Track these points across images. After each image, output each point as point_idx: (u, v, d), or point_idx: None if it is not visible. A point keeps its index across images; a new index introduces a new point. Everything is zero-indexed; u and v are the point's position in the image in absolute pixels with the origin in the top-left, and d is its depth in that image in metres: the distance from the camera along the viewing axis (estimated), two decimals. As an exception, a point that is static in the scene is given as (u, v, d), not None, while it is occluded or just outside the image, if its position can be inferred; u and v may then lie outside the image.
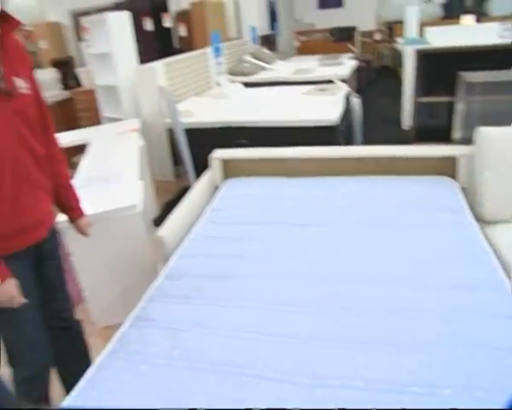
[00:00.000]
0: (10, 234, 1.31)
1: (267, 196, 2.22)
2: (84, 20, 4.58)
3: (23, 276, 1.33)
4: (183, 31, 7.94)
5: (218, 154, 2.52)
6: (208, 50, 5.17)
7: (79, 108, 5.83)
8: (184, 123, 3.55)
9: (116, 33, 4.20)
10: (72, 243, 2.01)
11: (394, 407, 1.10)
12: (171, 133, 4.01)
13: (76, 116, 5.50)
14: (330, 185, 2.27)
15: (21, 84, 1.30)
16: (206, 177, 2.48)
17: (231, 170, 2.49)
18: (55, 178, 1.52)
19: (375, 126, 5.15)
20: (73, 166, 5.10)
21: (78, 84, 6.85)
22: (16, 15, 1.30)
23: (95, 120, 5.13)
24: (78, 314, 1.76)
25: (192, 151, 3.43)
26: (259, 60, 6.20)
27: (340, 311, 1.43)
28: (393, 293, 1.48)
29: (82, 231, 1.66)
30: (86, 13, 9.36)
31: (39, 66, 9.64)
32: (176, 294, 1.61)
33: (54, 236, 1.53)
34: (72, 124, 5.25)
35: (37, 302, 1.43)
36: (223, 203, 2.18)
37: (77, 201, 1.64)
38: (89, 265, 2.16)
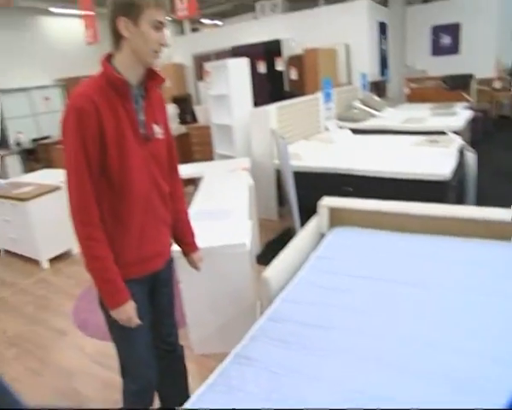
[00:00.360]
0: (133, 263, 1.47)
1: (373, 249, 2.20)
2: (207, 65, 5.03)
3: (139, 300, 1.48)
4: (294, 74, 8.28)
5: (326, 201, 2.57)
6: (319, 95, 5.32)
7: (194, 142, 6.32)
8: (292, 165, 3.68)
9: (235, 78, 4.56)
10: (182, 271, 2.17)
11: None
12: (278, 174, 4.17)
13: (191, 150, 5.96)
14: (438, 245, 2.17)
15: (158, 130, 1.48)
16: (313, 223, 2.54)
17: (338, 218, 2.51)
18: (175, 214, 1.66)
19: (490, 183, 4.81)
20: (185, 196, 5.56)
21: (195, 120, 7.45)
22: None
23: (208, 155, 5.52)
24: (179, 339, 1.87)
25: (298, 193, 3.53)
26: (368, 106, 6.21)
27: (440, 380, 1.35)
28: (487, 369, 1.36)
29: (194, 265, 1.78)
30: (206, 56, 10.29)
31: (163, 101, 10.70)
32: (277, 337, 1.65)
33: (169, 266, 1.68)
34: (186, 156, 5.72)
35: (149, 324, 1.57)
36: (328, 252, 2.21)
37: (192, 236, 1.77)
38: (194, 294, 2.31)
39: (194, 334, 2.45)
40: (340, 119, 5.79)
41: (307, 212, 3.57)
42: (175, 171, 1.68)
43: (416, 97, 8.44)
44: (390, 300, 1.80)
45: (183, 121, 8.27)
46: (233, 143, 4.58)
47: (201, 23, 13.97)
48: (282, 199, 4.28)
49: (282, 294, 1.93)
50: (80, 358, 2.68)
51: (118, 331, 1.50)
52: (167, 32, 1.38)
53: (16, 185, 4.36)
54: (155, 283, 1.60)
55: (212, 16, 13.75)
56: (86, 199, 1.33)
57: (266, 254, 3.59)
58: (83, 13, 8.29)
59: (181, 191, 1.72)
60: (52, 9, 9.87)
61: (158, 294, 1.63)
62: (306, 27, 8.48)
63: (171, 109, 8.25)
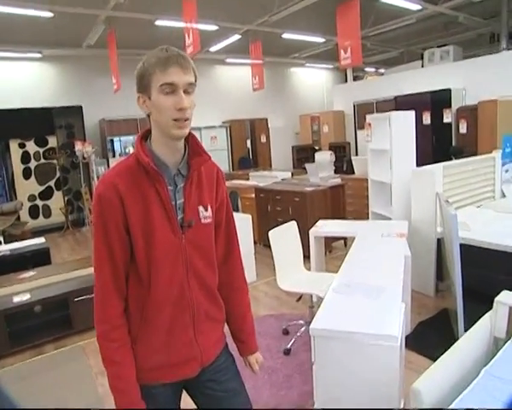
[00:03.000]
0: (156, 367, 1.27)
1: None
2: (368, 117, 4.82)
3: (165, 404, 1.31)
4: (463, 128, 7.53)
5: (506, 297, 2.09)
6: (496, 155, 4.64)
7: (348, 194, 6.12)
8: (459, 237, 3.20)
9: (398, 132, 4.22)
10: (318, 350, 1.97)
11: None
12: (439, 244, 3.69)
13: (344, 203, 5.77)
14: None
15: (205, 214, 1.29)
16: (485, 321, 2.09)
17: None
18: (233, 307, 1.46)
19: None
20: (330, 250, 5.38)
21: (351, 171, 7.27)
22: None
23: (361, 210, 5.27)
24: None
25: (463, 270, 3.04)
26: (560, 169, 5.18)
27: None
28: None
29: (250, 367, 1.54)
30: (368, 104, 10.14)
31: (320, 148, 10.87)
32: None
33: (226, 352, 1.45)
34: (338, 210, 5.53)
35: None
36: (506, 370, 1.74)
37: (251, 334, 1.53)
38: (328, 378, 2.08)
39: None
40: (522, 183, 4.94)
41: (473, 294, 3.05)
42: (233, 257, 1.46)
43: None
44: None
45: (338, 171, 8.19)
46: (391, 203, 4.25)
47: (364, 71, 13.96)
48: (441, 273, 3.76)
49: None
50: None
51: None
52: (182, 94, 1.15)
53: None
54: (196, 385, 1.37)
55: (376, 64, 13.63)
56: (105, 294, 1.20)
57: (417, 337, 3.15)
58: (252, 61, 9.03)
59: (241, 281, 1.49)
60: (228, 60, 11.04)
61: (216, 384, 1.38)
62: (483, 76, 7.71)
63: (327, 156, 8.20)
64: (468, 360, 1.87)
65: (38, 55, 8.70)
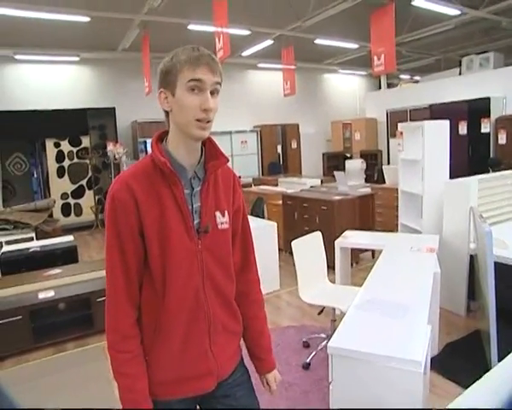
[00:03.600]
0: (170, 381, 1.20)
1: None
2: (400, 125, 4.65)
3: None
4: (503, 139, 7.21)
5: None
6: (537, 169, 4.39)
7: (378, 204, 5.95)
8: (494, 254, 3.02)
9: (431, 142, 4.05)
10: (337, 369, 1.87)
11: None
12: (472, 261, 3.51)
13: (373, 213, 5.61)
14: None
15: (222, 220, 1.23)
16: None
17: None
18: (247, 321, 1.38)
19: None
20: (357, 261, 5.23)
21: (382, 180, 7.09)
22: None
23: (390, 221, 5.11)
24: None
25: (498, 290, 2.86)
26: None
27: None
28: None
29: (268, 386, 1.44)
30: (402, 112, 9.89)
31: (351, 155, 10.69)
32: None
33: (242, 366, 1.37)
34: (366, 220, 5.38)
35: None
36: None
37: (269, 350, 1.44)
38: (346, 397, 1.96)
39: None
40: None
41: (508, 316, 2.87)
42: (248, 267, 1.38)
43: None
44: None
45: (369, 179, 8.00)
46: (421, 215, 4.08)
47: (399, 78, 13.66)
48: (474, 292, 3.57)
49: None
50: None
51: None
52: (209, 95, 1.10)
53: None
54: (210, 400, 1.29)
55: (411, 71, 13.31)
56: (118, 302, 1.13)
57: (444, 360, 2.98)
58: (284, 67, 8.99)
59: (256, 293, 1.42)
60: (260, 65, 11.04)
61: (232, 400, 1.31)
62: (525, 84, 7.37)
63: (359, 164, 8.00)
64: (503, 392, 1.73)
65: (76, 59, 8.96)
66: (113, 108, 9.04)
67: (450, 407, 1.55)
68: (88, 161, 8.93)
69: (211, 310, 1.21)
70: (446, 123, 4.21)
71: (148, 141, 9.84)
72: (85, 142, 8.90)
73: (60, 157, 8.72)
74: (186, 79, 1.08)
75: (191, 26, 7.49)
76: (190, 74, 1.08)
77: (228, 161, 1.26)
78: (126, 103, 9.58)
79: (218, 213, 1.23)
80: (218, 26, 5.46)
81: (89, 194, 9.02)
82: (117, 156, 8.46)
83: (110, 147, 8.43)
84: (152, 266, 1.14)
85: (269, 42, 8.83)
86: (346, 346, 1.85)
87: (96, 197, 9.06)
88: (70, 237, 5.58)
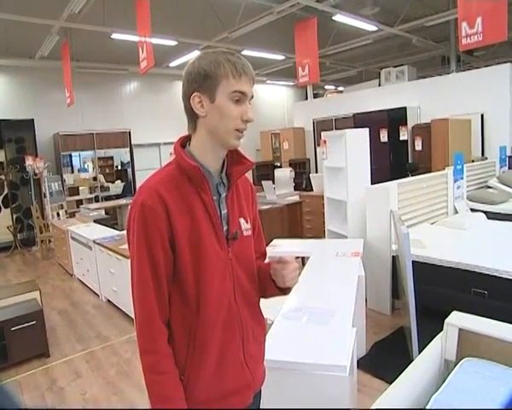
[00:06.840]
0: (211, 399, 1.13)
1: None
2: (323, 134, 4.79)
3: None
4: (419, 145, 7.72)
5: (455, 319, 2.05)
6: (448, 172, 4.73)
7: (306, 212, 6.09)
8: (412, 254, 3.19)
9: (353, 150, 4.22)
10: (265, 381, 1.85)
11: None
12: (395, 262, 3.68)
13: (302, 220, 5.73)
14: None
15: (245, 226, 1.21)
16: (436, 343, 2.03)
17: (472, 344, 1.96)
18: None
19: None
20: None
21: (310, 188, 7.28)
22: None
23: (319, 228, 5.23)
24: None
25: (417, 288, 3.02)
26: (508, 186, 5.37)
27: None
28: None
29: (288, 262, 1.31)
30: (327, 121, 10.27)
31: (280, 164, 10.89)
32: None
33: (258, 398, 1.33)
34: (295, 227, 5.48)
35: None
36: (453, 397, 1.67)
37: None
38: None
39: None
40: (473, 200, 5.05)
41: (427, 312, 3.03)
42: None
43: None
44: None
45: (298, 187, 8.18)
46: (346, 221, 4.22)
47: (324, 88, 14.22)
48: (397, 291, 3.75)
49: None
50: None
51: None
52: (249, 105, 1.11)
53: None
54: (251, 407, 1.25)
55: (335, 82, 13.92)
56: (151, 318, 1.05)
57: (372, 359, 3.08)
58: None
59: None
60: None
61: None
62: (435, 95, 7.99)
63: (287, 173, 8.18)
64: (420, 385, 1.80)
65: (-14, 66, 8.31)
66: (32, 120, 8.45)
67: (373, 407, 1.58)
68: (3, 177, 8.26)
69: (243, 319, 1.18)
70: (366, 131, 4.40)
71: (74, 154, 9.35)
72: (0, 156, 8.24)
73: (-30, 173, 8.00)
74: (231, 89, 1.07)
75: (115, 35, 7.25)
76: (235, 85, 1.07)
77: (253, 164, 1.25)
78: (46, 115, 9.02)
79: (242, 220, 1.21)
80: (141, 36, 5.32)
81: (5, 212, 8.33)
82: (37, 171, 7.92)
83: (29, 161, 7.87)
84: (183, 277, 1.08)
85: (196, 52, 8.74)
86: (272, 357, 1.83)
87: (15, 216, 8.37)
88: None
